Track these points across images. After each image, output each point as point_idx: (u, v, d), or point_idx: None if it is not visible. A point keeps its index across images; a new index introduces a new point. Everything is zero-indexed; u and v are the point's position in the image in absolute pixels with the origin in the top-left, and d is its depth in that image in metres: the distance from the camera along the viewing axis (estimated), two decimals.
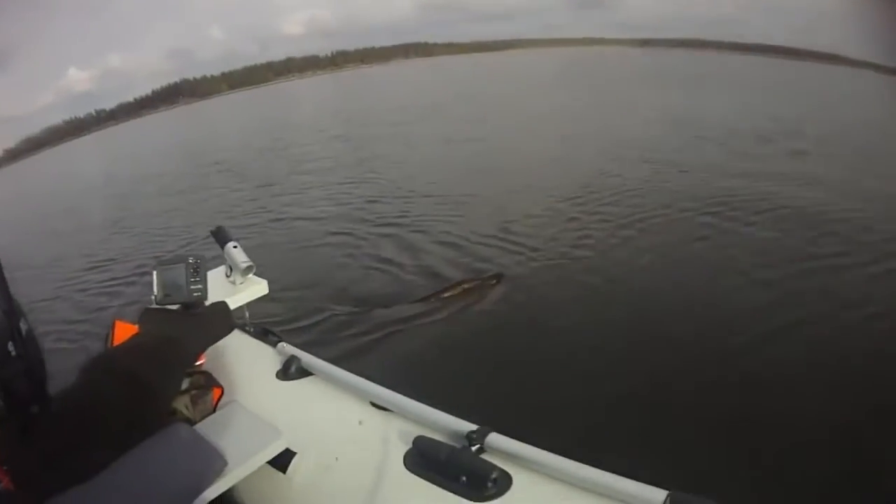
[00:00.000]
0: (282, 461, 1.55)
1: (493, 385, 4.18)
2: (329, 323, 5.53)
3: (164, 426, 1.29)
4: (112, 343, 1.68)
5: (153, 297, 1.49)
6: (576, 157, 12.16)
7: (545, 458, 1.36)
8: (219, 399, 1.79)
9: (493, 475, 1.32)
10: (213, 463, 1.40)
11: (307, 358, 1.92)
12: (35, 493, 0.93)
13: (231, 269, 1.96)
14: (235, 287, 1.95)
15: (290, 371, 1.88)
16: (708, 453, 3.30)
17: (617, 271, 6.25)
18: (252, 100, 58.05)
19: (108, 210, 13.14)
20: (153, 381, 1.17)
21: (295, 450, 1.57)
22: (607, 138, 13.84)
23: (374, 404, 1.70)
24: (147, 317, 1.38)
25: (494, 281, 6.05)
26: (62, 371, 1.14)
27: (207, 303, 1.53)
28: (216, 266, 2.01)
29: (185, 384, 1.70)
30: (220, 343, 1.53)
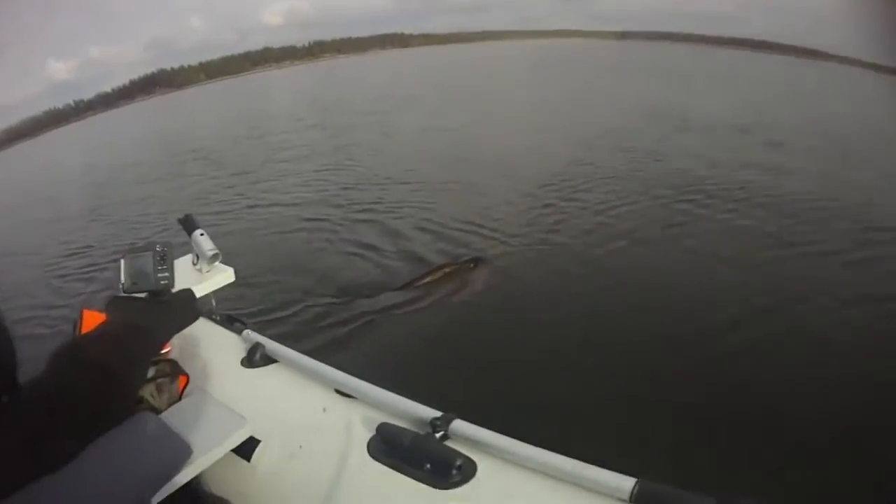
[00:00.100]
0: (246, 449, 1.51)
1: (469, 373, 4.10)
2: (307, 313, 5.41)
3: (131, 415, 1.29)
4: (80, 331, 1.64)
5: (121, 286, 1.45)
6: (551, 147, 12.12)
7: (510, 446, 1.31)
8: (184, 387, 1.74)
9: (458, 462, 1.28)
10: (179, 452, 1.38)
11: (271, 345, 1.87)
12: (3, 484, 0.89)
13: (198, 257, 1.90)
14: (202, 275, 1.89)
15: (255, 358, 1.83)
16: (678, 436, 3.29)
17: (591, 256, 6.25)
18: (229, 90, 57.37)
19: (85, 199, 12.93)
20: (119, 369, 1.14)
21: (259, 437, 1.53)
22: (583, 129, 13.88)
23: (338, 391, 1.66)
24: (114, 305, 1.34)
25: (473, 265, 6.01)
26: (41, 356, 1.09)
27: (174, 290, 1.50)
28: (186, 253, 1.96)
29: (151, 372, 1.67)
30: (186, 331, 1.50)
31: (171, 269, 1.48)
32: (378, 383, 1.61)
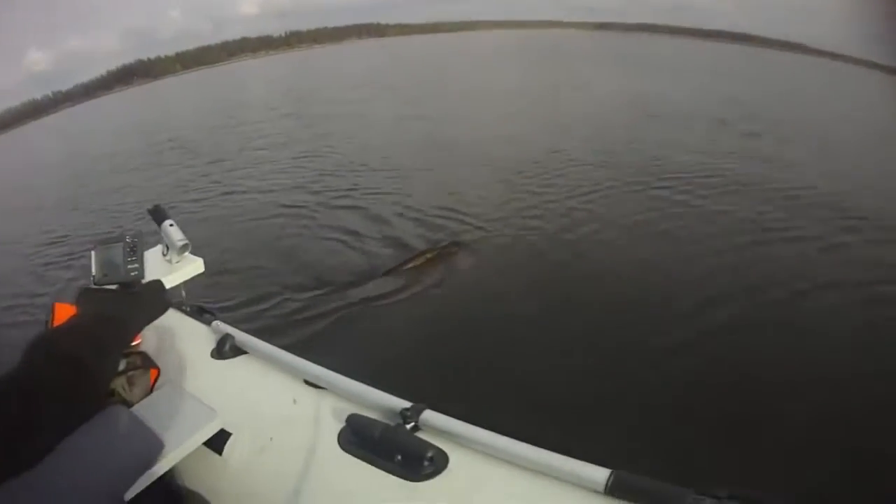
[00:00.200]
0: (218, 442, 1.48)
1: (442, 363, 4.05)
2: (283, 304, 5.30)
3: (103, 408, 1.30)
4: (52, 325, 1.58)
5: (92, 277, 1.45)
6: (528, 135, 12.09)
7: (482, 437, 1.27)
8: (156, 380, 1.69)
9: (429, 454, 1.23)
10: (152, 446, 1.34)
11: (241, 336, 1.81)
12: None
13: (168, 248, 1.85)
14: (172, 266, 1.83)
15: (225, 350, 1.78)
16: (655, 424, 3.28)
17: (566, 241, 6.26)
18: (206, 80, 56.43)
19: (64, 189, 12.73)
20: (91, 363, 1.13)
21: (230, 430, 1.49)
22: (561, 118, 13.88)
23: (307, 382, 1.61)
24: (85, 297, 1.34)
25: (454, 249, 5.98)
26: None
27: (144, 282, 1.50)
28: (158, 243, 1.91)
29: (122, 365, 1.62)
30: (157, 323, 1.49)
31: (141, 261, 1.48)
32: (348, 374, 1.57)
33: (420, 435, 1.33)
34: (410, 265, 5.68)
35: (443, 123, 14.26)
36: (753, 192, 7.61)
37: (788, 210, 6.90)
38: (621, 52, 37.11)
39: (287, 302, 5.30)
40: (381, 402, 1.45)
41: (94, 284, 1.46)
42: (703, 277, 5.21)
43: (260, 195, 9.23)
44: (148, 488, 1.30)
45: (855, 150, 10.41)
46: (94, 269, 1.47)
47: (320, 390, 1.57)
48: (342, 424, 1.40)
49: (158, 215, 1.89)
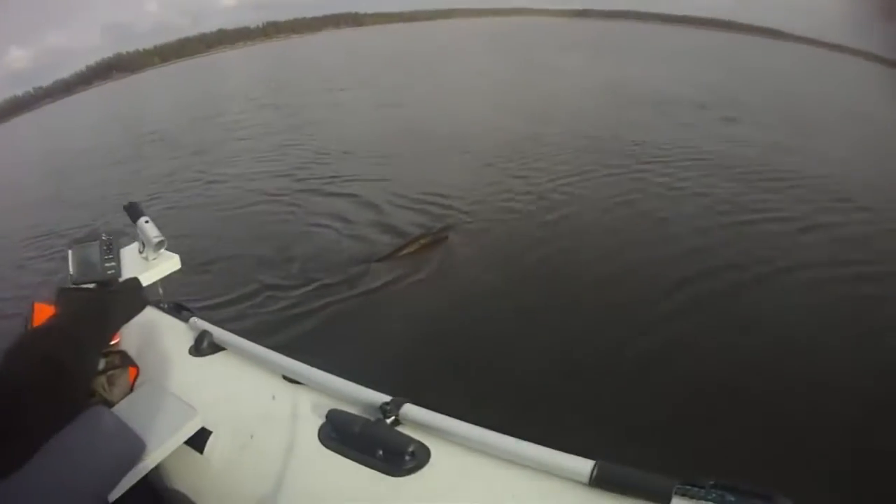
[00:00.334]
0: (198, 441, 1.45)
1: (423, 356, 3.99)
2: (265, 298, 5.18)
3: (84, 409, 1.23)
4: (31, 325, 1.54)
5: (69, 277, 1.44)
6: (508, 122, 12.01)
7: (464, 430, 1.25)
8: (135, 379, 1.67)
9: (410, 448, 1.21)
10: (134, 446, 1.32)
11: (219, 332, 1.78)
12: None
13: (144, 245, 1.80)
14: (148, 263, 1.80)
15: (203, 346, 1.74)
16: (640, 412, 3.25)
17: (548, 224, 6.26)
18: (185, 72, 55.64)
19: (47, 185, 12.53)
20: (70, 364, 1.11)
21: (211, 428, 1.47)
22: (540, 105, 13.82)
23: (286, 378, 1.58)
24: (63, 297, 1.32)
25: (446, 234, 5.93)
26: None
27: (121, 280, 1.49)
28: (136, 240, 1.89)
29: (101, 364, 1.59)
30: (135, 321, 1.47)
31: (117, 258, 1.47)
32: (327, 369, 1.54)
33: (401, 429, 1.31)
34: (399, 253, 5.62)
35: (421, 112, 14.23)
36: (733, 175, 7.66)
37: (769, 192, 6.94)
38: (601, 39, 36.93)
39: (269, 294, 5.20)
40: (360, 397, 1.42)
41: (72, 283, 1.44)
42: (684, 258, 5.23)
43: (241, 185, 9.15)
44: (131, 489, 1.28)
45: (835, 133, 10.47)
46: (71, 269, 1.45)
47: (299, 386, 1.55)
48: (322, 420, 1.38)
49: (134, 212, 1.86)
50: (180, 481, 1.47)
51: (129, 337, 1.77)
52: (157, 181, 10.41)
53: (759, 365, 3.69)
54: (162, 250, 1.81)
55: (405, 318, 4.61)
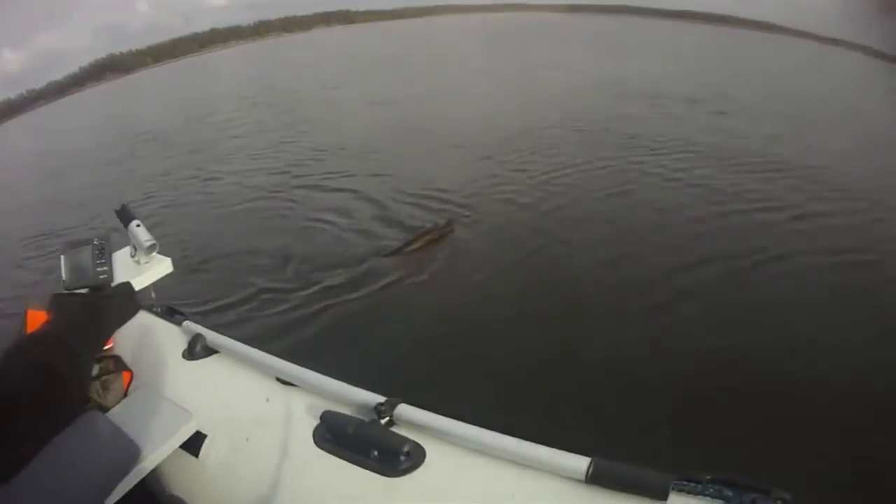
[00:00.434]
0: (194, 444, 1.46)
1: (418, 355, 3.92)
2: (262, 299, 5.09)
3: (79, 415, 1.23)
4: (26, 332, 1.53)
5: (62, 282, 1.45)
6: (502, 118, 11.85)
7: (459, 429, 1.24)
8: (129, 383, 1.67)
9: (405, 448, 1.20)
10: (130, 451, 1.33)
11: (212, 336, 1.77)
12: None
13: (136, 249, 1.78)
14: (140, 266, 1.78)
15: (196, 350, 1.74)
16: (635, 408, 3.20)
17: (542, 219, 6.21)
18: (177, 72, 55.26)
19: (43, 186, 12.35)
20: (64, 370, 1.10)
21: (206, 431, 1.47)
22: (534, 100, 13.63)
23: (280, 380, 1.57)
24: (56, 303, 1.29)
25: (451, 228, 5.88)
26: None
27: (114, 284, 1.48)
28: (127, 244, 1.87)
29: (95, 370, 1.61)
30: (128, 325, 1.44)
31: (109, 263, 1.47)
32: (320, 370, 1.53)
33: (395, 429, 1.30)
34: (407, 248, 5.57)
35: (415, 108, 14.12)
36: (725, 167, 7.63)
37: (762, 183, 6.90)
38: (593, 35, 36.55)
39: (265, 295, 5.12)
40: (354, 398, 1.42)
41: (65, 289, 1.44)
42: (680, 247, 5.22)
43: (237, 183, 9.08)
44: (128, 494, 1.29)
45: (826, 126, 10.38)
46: (63, 274, 1.45)
47: (293, 388, 1.54)
48: (316, 422, 1.38)
49: (125, 216, 1.85)
50: (176, 485, 1.47)
51: (122, 341, 1.77)
52: (152, 180, 10.33)
53: (757, 359, 3.64)
54: (154, 254, 1.79)
55: (399, 318, 4.54)
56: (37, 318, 1.51)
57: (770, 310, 4.24)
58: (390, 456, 1.21)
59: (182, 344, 1.78)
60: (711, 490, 0.96)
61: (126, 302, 1.45)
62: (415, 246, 5.59)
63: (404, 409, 1.32)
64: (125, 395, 1.63)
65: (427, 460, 1.21)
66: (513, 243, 5.67)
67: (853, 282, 4.61)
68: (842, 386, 3.34)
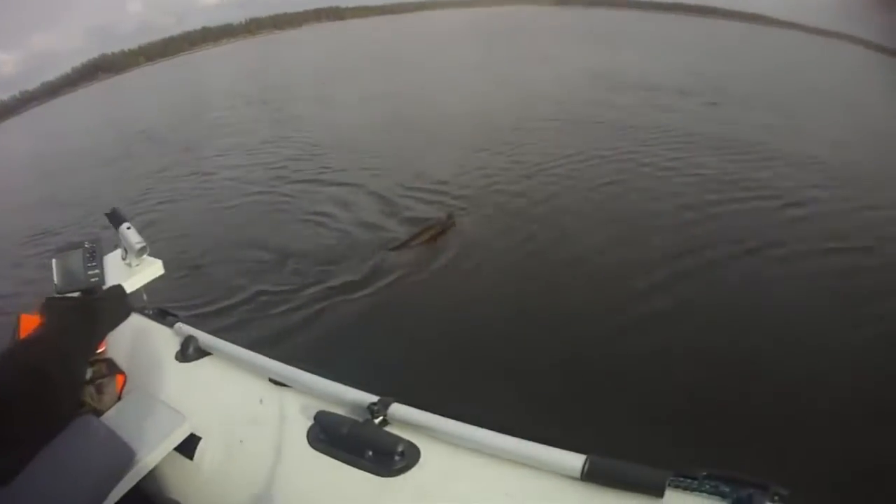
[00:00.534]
0: (188, 447, 1.45)
1: (412, 353, 3.87)
2: (259, 299, 5.03)
3: (74, 419, 1.25)
4: (19, 336, 1.53)
5: (54, 286, 1.45)
6: (493, 112, 11.88)
7: (453, 428, 1.23)
8: (123, 386, 1.66)
9: (400, 448, 1.19)
10: (124, 455, 1.33)
11: (204, 337, 1.75)
12: None
13: (127, 252, 1.76)
14: (132, 269, 1.76)
15: (189, 352, 1.72)
16: (630, 403, 3.18)
17: (536, 211, 6.22)
18: (170, 71, 55.06)
19: (39, 187, 12.34)
20: (57, 376, 1.08)
21: (200, 434, 1.46)
22: (525, 93, 13.60)
23: (272, 380, 1.56)
24: (48, 307, 1.28)
25: (453, 221, 5.87)
26: None
27: (105, 287, 1.48)
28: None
29: (88, 374, 1.59)
30: (120, 328, 1.44)
31: (100, 266, 1.50)
32: (312, 370, 1.52)
33: (389, 429, 1.29)
34: (412, 242, 5.55)
35: (408, 103, 14.09)
36: (717, 157, 7.61)
37: (755, 175, 6.86)
38: (582, 28, 36.43)
39: (261, 295, 5.06)
40: (348, 398, 1.40)
41: (57, 293, 1.44)
42: (673, 242, 5.17)
43: (231, 180, 9.09)
44: (123, 498, 1.28)
45: (821, 118, 10.38)
46: (55, 278, 1.45)
47: (286, 388, 1.53)
48: (310, 422, 1.36)
49: (115, 219, 1.83)
50: (171, 488, 1.46)
51: (115, 344, 1.75)
52: (147, 178, 10.32)
53: (755, 354, 3.61)
54: (145, 256, 1.77)
55: (395, 316, 4.51)
56: (29, 323, 1.49)
57: (767, 305, 4.20)
58: (385, 456, 1.20)
59: (175, 346, 1.76)
60: (708, 486, 0.95)
61: (118, 305, 1.44)
62: (421, 239, 5.57)
63: (398, 409, 1.31)
64: (119, 398, 1.61)
65: (422, 460, 1.20)
66: (509, 238, 5.65)
67: (850, 272, 4.59)
68: (843, 383, 3.30)
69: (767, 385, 3.32)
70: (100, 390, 1.59)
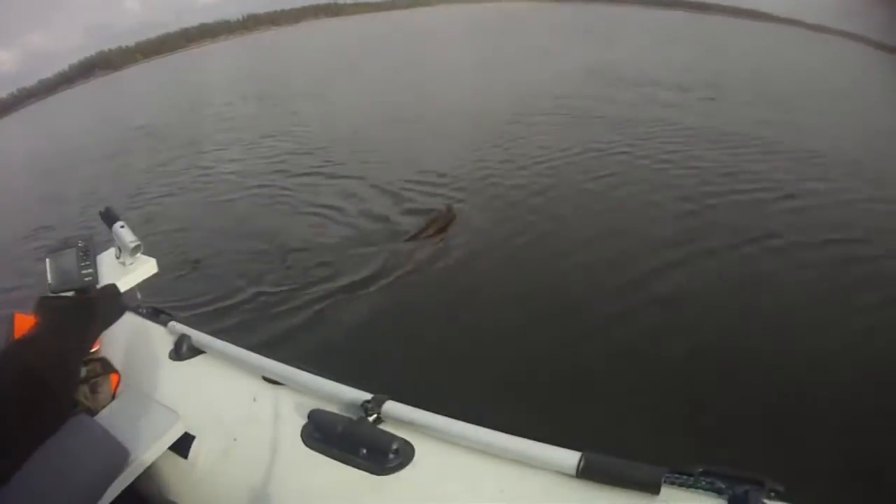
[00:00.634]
0: (182, 446, 1.44)
1: (405, 352, 3.82)
2: (258, 293, 4.98)
3: (68, 419, 1.24)
4: (13, 336, 1.54)
5: (48, 286, 1.42)
6: (492, 108, 11.82)
7: (448, 425, 1.21)
8: (117, 385, 1.64)
9: (394, 446, 1.18)
10: (119, 454, 1.31)
11: (198, 336, 1.74)
12: None
13: (120, 250, 1.75)
14: (126, 268, 1.74)
15: (182, 350, 1.71)
16: (627, 401, 3.14)
17: (535, 197, 6.28)
18: (168, 67, 54.94)
19: (40, 183, 12.36)
20: (51, 377, 1.09)
21: (194, 433, 1.45)
22: (523, 89, 13.53)
23: (266, 378, 1.55)
24: (42, 307, 1.27)
25: (453, 214, 5.84)
26: None
27: (99, 286, 1.46)
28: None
29: (82, 373, 1.58)
30: (114, 327, 1.47)
31: (94, 265, 1.45)
32: (306, 368, 1.51)
33: (384, 427, 1.28)
34: (421, 235, 5.52)
35: (406, 99, 14.02)
36: (716, 150, 7.61)
37: (753, 170, 6.84)
38: (581, 23, 36.23)
39: (259, 294, 4.99)
40: (341, 396, 1.39)
41: (51, 292, 1.41)
42: (666, 237, 5.13)
43: (229, 176, 9.06)
44: (118, 497, 1.28)
45: (816, 112, 10.39)
46: (49, 277, 1.43)
47: (280, 386, 1.52)
48: (304, 420, 1.35)
49: (109, 217, 1.81)
50: (166, 488, 1.45)
51: (109, 343, 1.74)
52: (146, 172, 10.35)
53: (751, 348, 3.60)
54: (138, 254, 1.75)
55: (391, 314, 4.45)
56: (24, 322, 1.50)
57: (766, 300, 4.17)
58: (379, 454, 1.19)
59: (168, 344, 1.75)
60: (704, 482, 0.95)
61: (112, 304, 1.45)
62: (428, 233, 5.54)
63: (392, 406, 1.30)
64: (113, 397, 1.61)
65: (416, 457, 1.19)
66: (506, 231, 5.63)
67: (848, 265, 4.57)
68: (841, 379, 3.27)
69: (765, 379, 3.30)
70: (94, 390, 1.58)
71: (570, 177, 6.90)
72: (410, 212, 6.21)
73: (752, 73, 14.28)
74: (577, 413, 2.96)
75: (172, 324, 1.84)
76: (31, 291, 5.73)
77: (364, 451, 1.20)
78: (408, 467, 1.17)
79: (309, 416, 1.33)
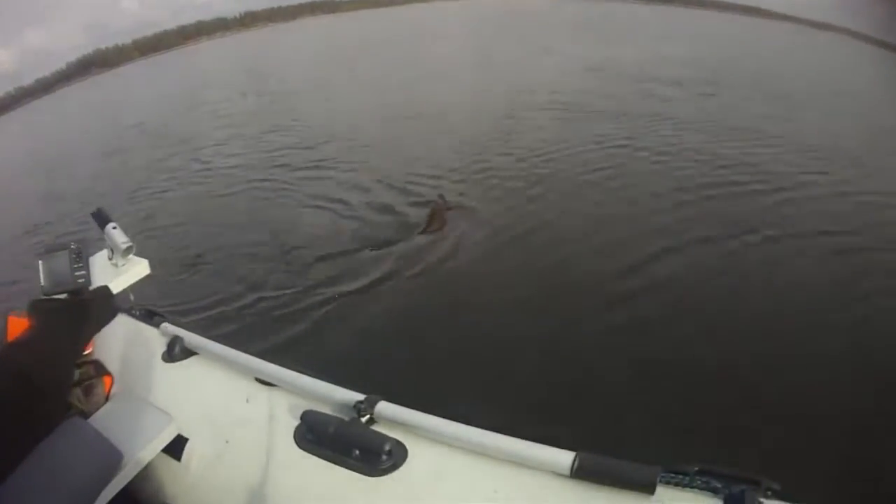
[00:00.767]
0: (175, 448, 1.44)
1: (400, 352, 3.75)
2: (255, 292, 4.90)
3: (61, 422, 1.24)
4: (7, 339, 1.52)
5: (41, 288, 1.45)
6: (489, 104, 11.78)
7: (441, 426, 1.21)
8: (110, 388, 1.65)
9: (387, 447, 1.18)
10: (112, 457, 1.32)
11: (190, 337, 1.74)
12: None
13: (113, 252, 1.74)
14: (118, 269, 1.74)
15: (175, 352, 1.70)
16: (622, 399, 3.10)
17: (533, 192, 6.24)
18: (165, 65, 54.73)
19: (37, 182, 12.18)
20: (44, 379, 1.11)
21: (187, 435, 1.46)
22: (522, 84, 13.43)
23: (259, 380, 1.54)
24: (35, 309, 1.31)
25: (448, 206, 5.82)
26: None
27: (92, 288, 1.49)
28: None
29: (76, 375, 1.58)
30: (107, 329, 1.50)
31: (87, 267, 1.48)
32: (299, 369, 1.50)
33: (376, 427, 1.28)
34: (430, 228, 5.47)
35: (405, 95, 13.96)
36: (714, 144, 7.62)
37: (750, 166, 6.79)
38: (579, 20, 36.10)
39: (257, 293, 4.90)
40: (334, 397, 1.39)
41: (44, 294, 1.43)
42: (663, 230, 5.11)
43: (227, 172, 9.04)
44: (112, 500, 1.28)
45: (815, 108, 10.38)
46: (42, 280, 1.44)
47: (272, 388, 1.52)
48: (297, 422, 1.35)
49: (101, 219, 1.82)
50: (160, 490, 1.45)
51: (102, 345, 1.74)
52: (145, 169, 10.30)
53: (749, 345, 3.56)
54: (131, 256, 1.75)
55: (387, 313, 4.38)
56: (17, 325, 1.49)
57: (764, 300, 4.13)
58: (372, 455, 1.18)
59: (161, 346, 1.75)
60: (699, 482, 0.94)
61: (104, 306, 1.48)
62: (433, 227, 5.49)
63: (385, 407, 1.30)
64: (106, 399, 1.60)
65: (409, 458, 1.19)
66: (502, 227, 5.57)
67: (846, 256, 4.56)
68: (839, 377, 3.23)
69: (763, 375, 3.27)
70: (87, 392, 1.59)
71: (569, 169, 6.90)
72: (411, 203, 6.20)
73: (751, 70, 14.25)
74: (571, 412, 2.91)
75: (165, 325, 1.83)
76: (28, 286, 5.75)
77: (357, 451, 1.20)
78: (401, 468, 1.17)
79: (302, 418, 1.32)
